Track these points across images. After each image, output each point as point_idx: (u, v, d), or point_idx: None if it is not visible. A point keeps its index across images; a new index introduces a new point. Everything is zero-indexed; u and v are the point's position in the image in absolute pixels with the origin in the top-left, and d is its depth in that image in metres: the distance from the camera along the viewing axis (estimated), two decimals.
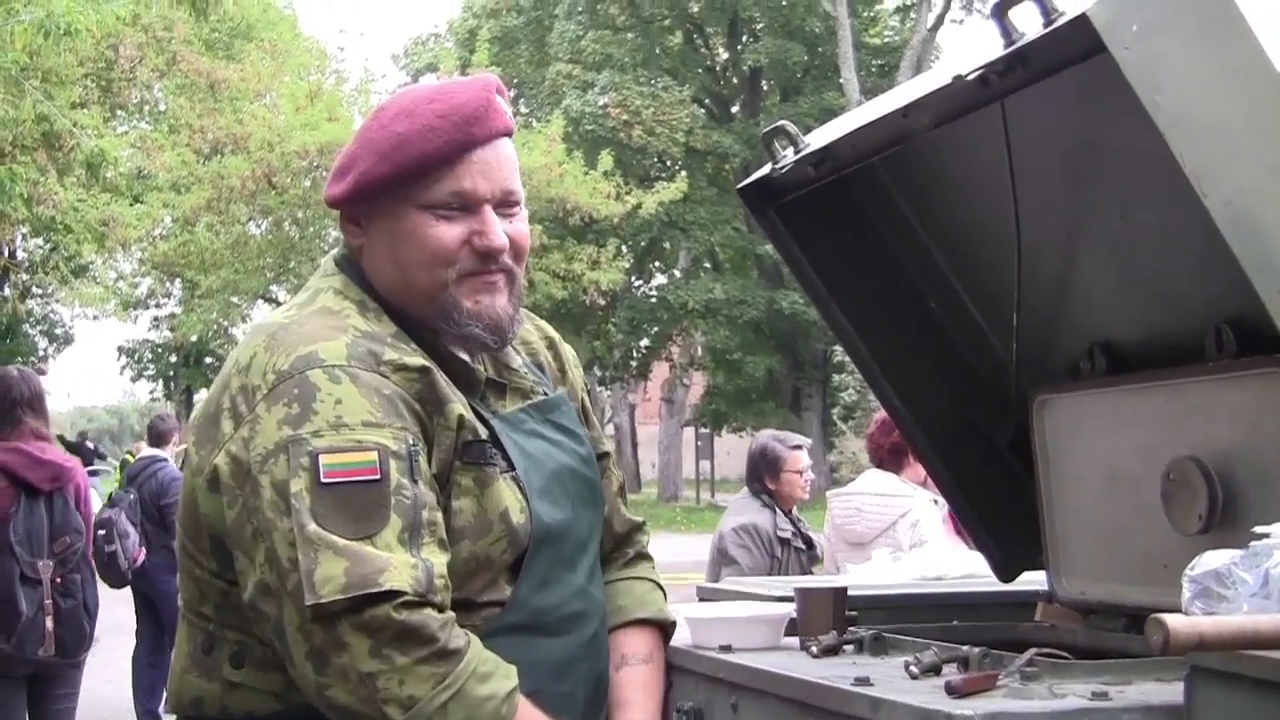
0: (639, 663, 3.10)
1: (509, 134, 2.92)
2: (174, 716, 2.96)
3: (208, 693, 2.81)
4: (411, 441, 2.68)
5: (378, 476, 2.63)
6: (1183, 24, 2.79)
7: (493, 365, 2.98)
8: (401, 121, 2.83)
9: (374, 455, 2.64)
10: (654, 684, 3.12)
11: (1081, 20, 2.74)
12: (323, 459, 2.62)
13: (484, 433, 2.82)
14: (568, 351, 3.24)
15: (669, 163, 43.21)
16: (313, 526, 2.58)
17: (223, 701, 2.79)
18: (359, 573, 2.55)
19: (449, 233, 2.83)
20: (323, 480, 2.61)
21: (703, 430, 53.75)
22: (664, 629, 3.21)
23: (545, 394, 3.05)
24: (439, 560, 2.64)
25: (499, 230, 2.85)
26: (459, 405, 2.79)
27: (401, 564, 2.58)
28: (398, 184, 2.81)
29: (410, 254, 2.84)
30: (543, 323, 3.25)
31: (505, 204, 2.89)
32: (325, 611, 2.55)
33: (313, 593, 2.56)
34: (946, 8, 44.24)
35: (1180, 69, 2.78)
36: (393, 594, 2.55)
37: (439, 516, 2.69)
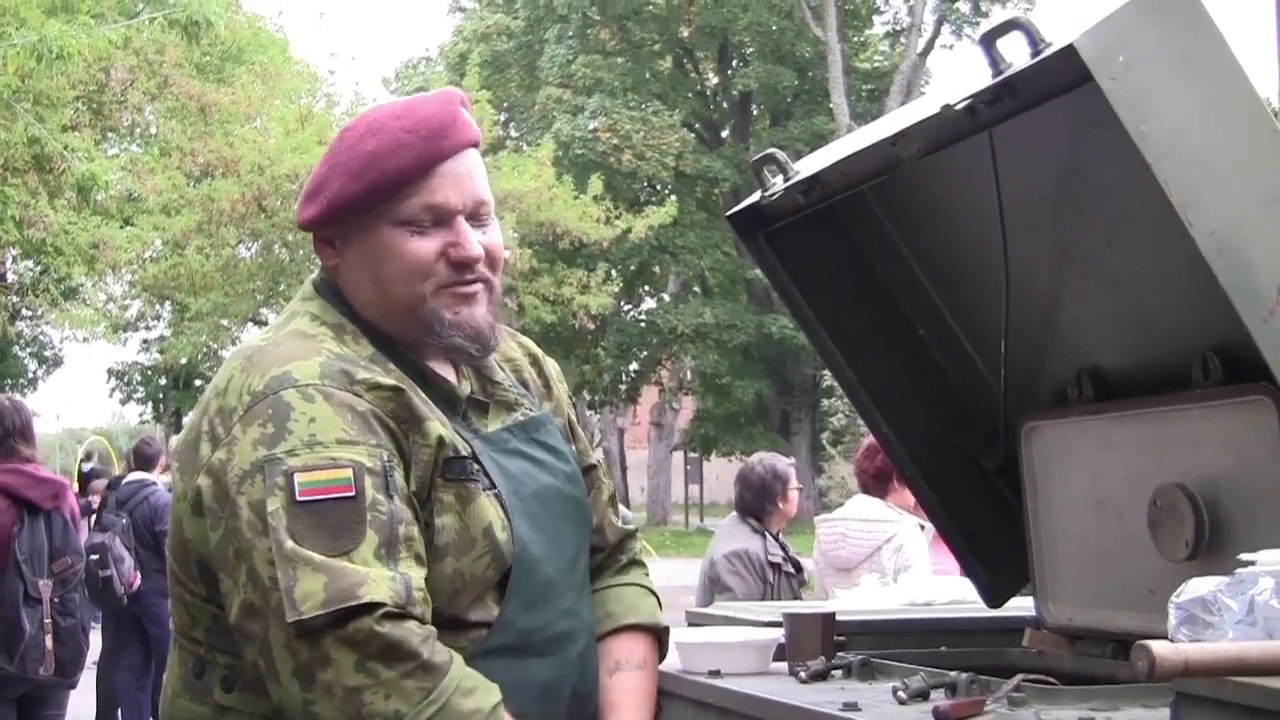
0: (633, 668, 3.07)
1: (476, 145, 2.91)
2: None
3: (199, 716, 2.81)
4: (386, 458, 2.69)
5: (353, 493, 2.63)
6: (1170, 56, 2.82)
7: (476, 381, 2.99)
8: (369, 140, 2.83)
9: (349, 472, 2.64)
10: (646, 689, 3.08)
11: (1069, 51, 2.77)
12: (298, 477, 2.63)
13: (465, 450, 2.83)
14: (551, 367, 3.24)
15: (659, 187, 43.26)
16: (290, 544, 2.59)
17: None
18: (337, 587, 2.56)
19: (424, 246, 2.83)
20: (298, 498, 2.62)
21: (692, 454, 53.75)
22: (657, 634, 3.17)
23: (530, 411, 3.05)
24: (416, 574, 2.65)
25: (474, 240, 2.85)
26: (437, 423, 2.80)
27: (379, 577, 2.58)
28: (370, 202, 2.82)
29: (387, 270, 2.84)
30: (525, 339, 3.25)
31: (477, 214, 2.88)
32: (308, 627, 2.56)
33: (294, 609, 2.56)
34: (936, 33, 44.38)
35: (1167, 100, 2.80)
36: (373, 606, 2.55)
37: (415, 532, 2.69)
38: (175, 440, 2.93)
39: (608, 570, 3.19)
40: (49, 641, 7.42)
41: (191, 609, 2.84)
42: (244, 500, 2.65)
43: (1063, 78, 2.87)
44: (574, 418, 3.23)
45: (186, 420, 2.93)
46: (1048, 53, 2.87)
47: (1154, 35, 2.81)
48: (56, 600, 7.48)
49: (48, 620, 7.42)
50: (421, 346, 2.89)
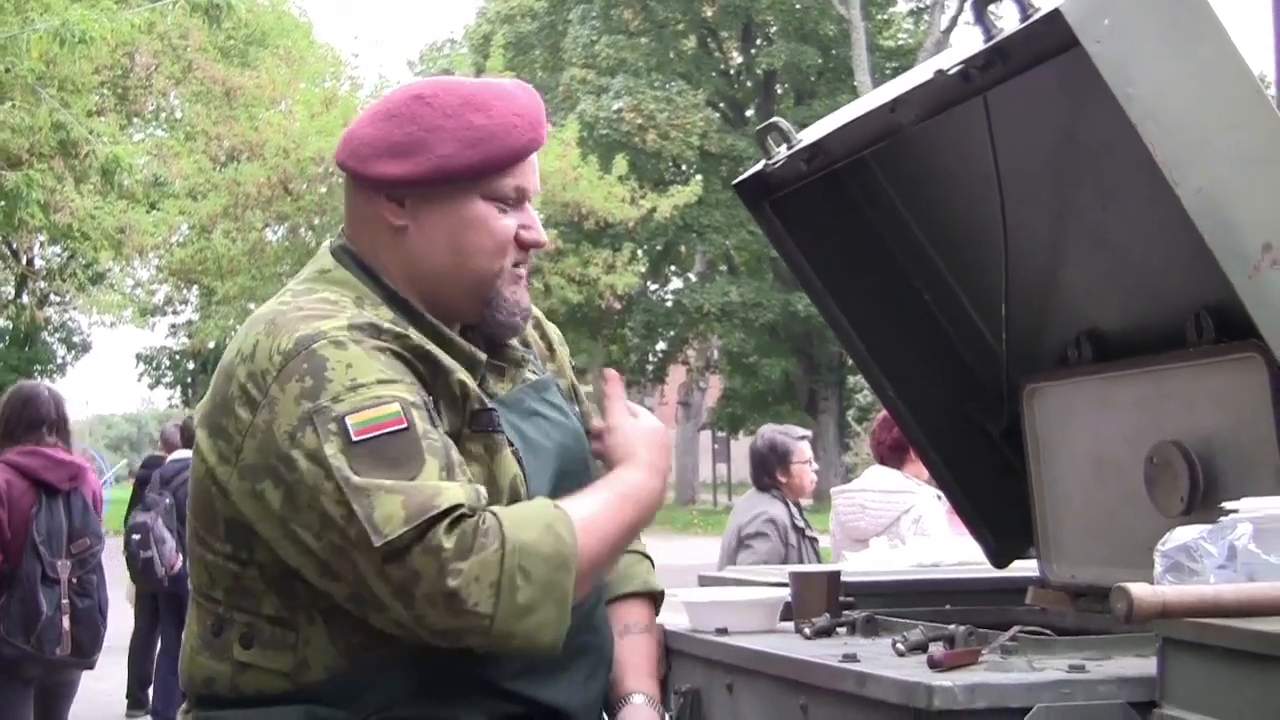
0: (640, 631, 3.22)
1: None
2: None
3: (219, 673, 2.88)
4: (424, 394, 2.79)
5: (406, 424, 2.71)
6: (1154, 18, 2.88)
7: (485, 346, 3.06)
8: (476, 115, 2.93)
9: (396, 407, 2.72)
10: (654, 650, 3.25)
11: (1055, 15, 2.84)
12: (349, 419, 2.70)
13: (489, 403, 2.92)
14: (553, 330, 3.35)
15: (683, 166, 43.27)
16: (357, 479, 2.66)
17: (233, 681, 2.87)
18: (415, 501, 2.64)
19: (508, 224, 2.97)
20: (354, 440, 2.69)
21: (719, 433, 53.84)
22: (653, 598, 3.31)
23: (534, 372, 3.14)
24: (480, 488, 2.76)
25: (541, 226, 3.03)
26: (461, 373, 2.88)
27: (452, 487, 2.68)
28: (482, 172, 2.93)
29: (474, 241, 2.95)
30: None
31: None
32: (394, 548, 2.63)
33: (378, 534, 2.63)
34: (960, 10, 44.20)
35: (1152, 62, 2.86)
36: (452, 509, 2.65)
37: (461, 459, 2.79)
38: (200, 409, 2.98)
39: None
40: (66, 622, 7.47)
41: (212, 568, 2.90)
42: (299, 453, 2.71)
43: (1050, 41, 2.93)
44: (575, 380, 3.31)
45: (211, 388, 2.98)
46: (1035, 17, 2.93)
47: None
48: (75, 581, 7.52)
49: (65, 601, 7.47)
50: (449, 317, 2.98)
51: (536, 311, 3.30)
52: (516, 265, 2.99)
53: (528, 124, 2.95)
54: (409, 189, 2.96)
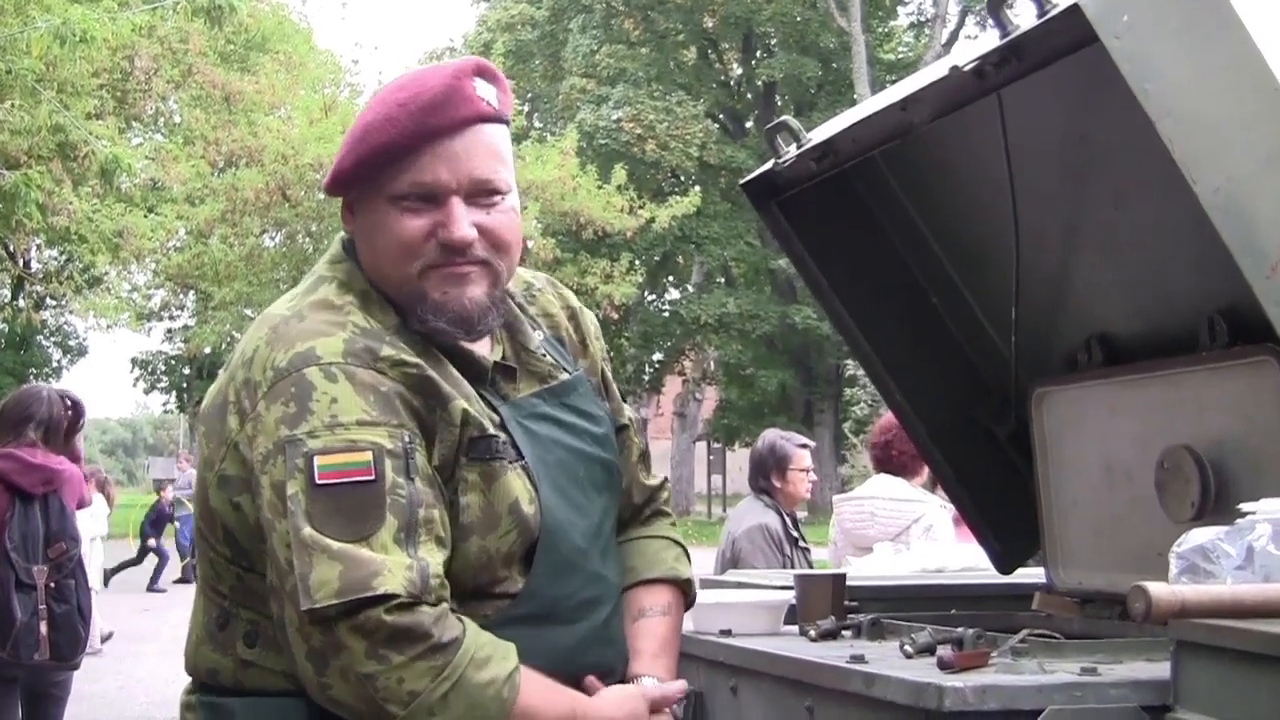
0: (656, 614, 3.07)
1: (485, 119, 2.83)
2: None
3: (223, 666, 2.84)
4: (408, 439, 2.69)
5: (372, 477, 2.63)
6: (1173, 15, 2.85)
7: (510, 346, 2.98)
8: (369, 110, 2.83)
9: (368, 455, 2.64)
10: (669, 634, 3.07)
11: (1074, 11, 2.81)
12: (317, 460, 2.63)
13: (491, 422, 2.83)
14: (589, 321, 3.20)
15: (682, 177, 43.27)
16: (308, 530, 2.60)
17: (237, 676, 2.82)
18: (353, 576, 2.57)
19: (413, 225, 2.79)
20: (317, 482, 2.62)
21: (715, 445, 53.75)
22: (679, 585, 3.15)
23: (565, 373, 3.05)
24: (435, 559, 2.65)
25: (463, 223, 2.79)
26: (462, 401, 2.78)
27: (396, 566, 2.59)
28: (364, 174, 2.81)
29: (380, 244, 2.83)
30: (566, 291, 3.21)
31: (480, 193, 2.82)
32: (321, 615, 2.57)
33: (308, 597, 2.57)
34: (960, 24, 44.32)
35: (1170, 59, 2.83)
36: (386, 597, 2.57)
37: (436, 514, 2.69)
38: (204, 403, 2.93)
39: (632, 523, 3.18)
40: (44, 628, 7.39)
41: (217, 565, 2.86)
42: (266, 480, 2.67)
43: (1068, 38, 2.91)
44: (609, 374, 3.21)
45: (216, 382, 2.93)
46: (1053, 13, 2.90)
47: None
48: (52, 586, 7.44)
49: (43, 607, 7.39)
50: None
51: (574, 301, 3.18)
52: (445, 266, 2.80)
53: (409, 114, 2.76)
54: (342, 196, 2.90)
